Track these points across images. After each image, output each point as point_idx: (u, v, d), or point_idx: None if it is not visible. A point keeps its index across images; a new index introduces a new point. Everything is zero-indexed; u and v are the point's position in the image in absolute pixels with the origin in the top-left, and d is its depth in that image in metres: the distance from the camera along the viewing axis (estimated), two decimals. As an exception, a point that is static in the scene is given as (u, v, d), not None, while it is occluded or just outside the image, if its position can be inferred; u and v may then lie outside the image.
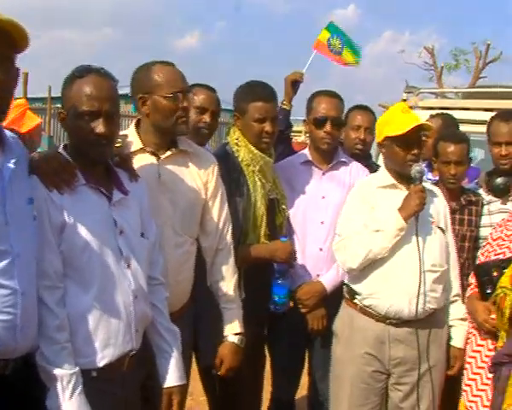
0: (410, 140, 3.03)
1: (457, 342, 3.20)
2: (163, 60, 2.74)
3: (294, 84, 4.00)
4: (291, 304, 3.40)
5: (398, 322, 3.03)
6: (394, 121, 3.06)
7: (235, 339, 2.88)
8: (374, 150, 4.67)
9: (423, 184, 3.08)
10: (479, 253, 3.41)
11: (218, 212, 2.90)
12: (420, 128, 3.06)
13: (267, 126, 3.20)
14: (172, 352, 2.43)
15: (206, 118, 3.34)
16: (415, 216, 2.99)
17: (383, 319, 3.04)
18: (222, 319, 2.90)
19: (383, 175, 3.21)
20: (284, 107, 4.00)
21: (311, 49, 4.52)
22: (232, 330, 2.88)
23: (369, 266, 3.03)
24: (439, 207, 3.23)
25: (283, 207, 3.38)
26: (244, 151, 3.23)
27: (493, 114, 5.02)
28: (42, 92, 17.87)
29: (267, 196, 3.28)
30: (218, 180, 2.91)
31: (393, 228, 2.97)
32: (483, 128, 4.95)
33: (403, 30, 73.51)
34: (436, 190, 3.30)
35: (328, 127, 3.45)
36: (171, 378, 2.41)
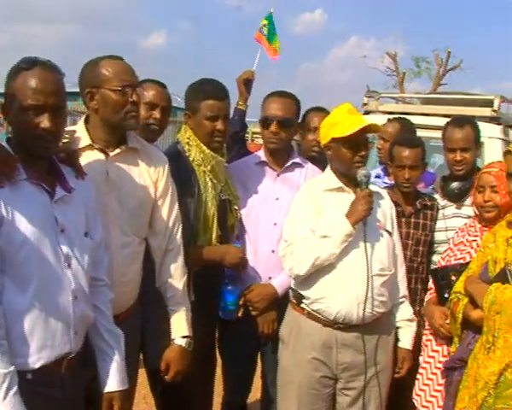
0: (358, 141, 2.98)
1: (405, 343, 3.19)
2: (112, 54, 2.67)
3: (247, 84, 3.98)
4: (240, 309, 3.36)
5: (346, 327, 2.99)
6: (341, 122, 3.00)
7: (183, 342, 2.81)
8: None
9: (370, 186, 3.04)
10: (438, 257, 3.43)
11: (168, 211, 2.83)
12: (367, 129, 3.02)
13: (219, 125, 3.16)
14: (114, 355, 2.35)
15: (156, 114, 3.29)
16: (362, 221, 2.95)
17: (331, 323, 3.00)
18: (170, 321, 2.83)
19: (329, 178, 3.14)
20: (239, 107, 3.98)
21: (258, 43, 4.49)
22: (180, 333, 2.81)
23: (317, 270, 2.97)
24: (386, 209, 3.19)
25: (235, 207, 3.34)
26: (195, 151, 3.18)
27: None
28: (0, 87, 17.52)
29: (218, 196, 3.23)
30: (169, 179, 2.85)
31: (341, 234, 2.92)
32: (440, 134, 4.99)
33: (368, 36, 74.28)
34: (382, 191, 3.27)
35: (273, 127, 3.41)
36: (112, 383, 2.34)
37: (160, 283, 2.86)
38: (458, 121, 3.66)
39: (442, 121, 5.52)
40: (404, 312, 3.23)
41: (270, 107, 3.46)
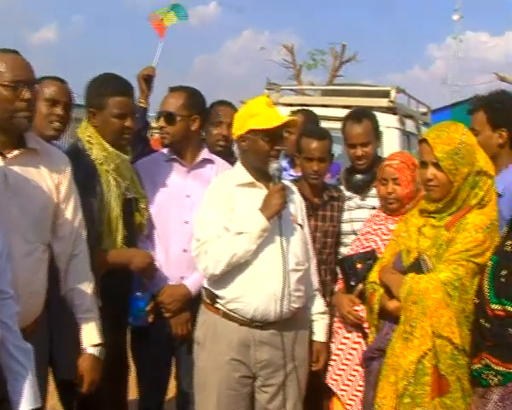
0: (276, 135, 2.97)
1: (320, 336, 3.22)
2: (5, 48, 2.50)
3: (148, 80, 3.91)
4: (150, 315, 3.25)
5: (263, 324, 2.96)
6: (261, 114, 2.97)
7: (95, 351, 2.70)
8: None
9: (282, 181, 3.03)
10: (345, 249, 3.50)
11: (72, 215, 2.70)
12: (286, 124, 3.01)
13: (128, 122, 3.08)
14: (25, 373, 2.18)
15: (59, 110, 3.14)
16: (278, 215, 2.92)
17: (248, 322, 2.96)
18: (79, 329, 2.71)
19: (241, 173, 3.09)
20: (141, 105, 3.90)
21: (159, 39, 4.42)
22: (91, 342, 2.70)
23: (232, 269, 2.91)
24: (297, 202, 3.19)
25: (142, 206, 3.23)
26: (97, 149, 3.07)
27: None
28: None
29: (123, 195, 3.12)
30: (72, 181, 2.71)
31: (256, 229, 2.88)
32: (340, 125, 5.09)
33: (262, 29, 74.74)
34: (292, 185, 3.27)
35: (161, 122, 3.38)
36: (26, 403, 2.16)
37: (67, 290, 2.73)
38: (356, 116, 3.67)
39: (341, 112, 5.69)
40: (318, 305, 3.25)
41: (162, 101, 3.43)
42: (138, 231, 3.26)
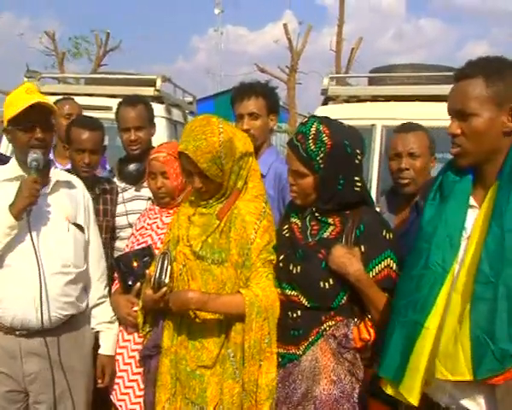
0: (32, 122, 2.72)
1: (105, 348, 3.00)
2: None
3: None
4: None
5: (29, 333, 2.72)
6: (16, 102, 2.73)
7: None
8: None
9: (63, 174, 2.86)
10: (121, 243, 3.36)
11: None
12: (45, 109, 2.76)
13: None
14: None
15: None
16: (27, 212, 2.65)
17: (11, 330, 2.71)
18: None
19: (11, 166, 2.86)
20: None
21: None
22: None
23: None
24: (78, 200, 2.98)
25: None
26: None
27: (117, 100, 5.07)
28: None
29: None
30: None
31: (2, 226, 2.64)
32: (106, 114, 4.95)
33: (22, 14, 69.30)
34: (75, 180, 3.05)
35: None
36: None
37: None
38: (131, 100, 3.64)
39: (107, 102, 5.56)
40: (104, 313, 3.03)
41: None
42: None
